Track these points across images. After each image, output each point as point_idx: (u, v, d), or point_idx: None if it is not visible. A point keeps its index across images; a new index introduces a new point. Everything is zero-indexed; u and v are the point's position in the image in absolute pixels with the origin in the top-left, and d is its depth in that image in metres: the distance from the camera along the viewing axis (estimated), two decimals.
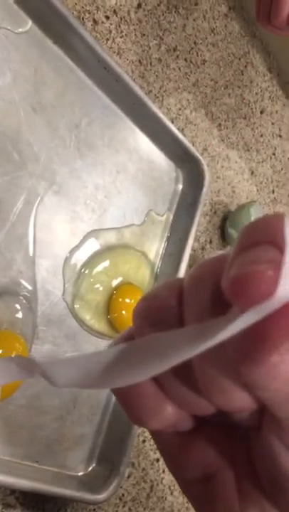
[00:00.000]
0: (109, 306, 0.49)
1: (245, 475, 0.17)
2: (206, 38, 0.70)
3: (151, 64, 0.60)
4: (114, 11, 0.55)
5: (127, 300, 0.50)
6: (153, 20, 0.61)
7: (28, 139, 0.44)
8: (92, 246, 0.49)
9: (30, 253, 0.44)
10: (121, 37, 0.56)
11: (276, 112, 0.83)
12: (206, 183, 0.59)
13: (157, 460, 0.53)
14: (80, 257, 0.48)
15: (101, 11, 0.54)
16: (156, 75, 0.61)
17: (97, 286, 0.49)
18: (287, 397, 0.13)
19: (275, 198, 0.81)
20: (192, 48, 0.67)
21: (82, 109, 0.50)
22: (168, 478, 0.53)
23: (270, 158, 0.81)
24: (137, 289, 0.52)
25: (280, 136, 0.84)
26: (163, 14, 0.62)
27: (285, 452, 0.15)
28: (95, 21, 0.53)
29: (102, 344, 0.49)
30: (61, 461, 0.44)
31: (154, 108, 0.53)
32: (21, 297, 0.43)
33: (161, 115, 0.54)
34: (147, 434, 0.52)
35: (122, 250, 0.52)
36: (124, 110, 0.53)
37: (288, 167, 0.85)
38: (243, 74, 0.77)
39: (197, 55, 0.68)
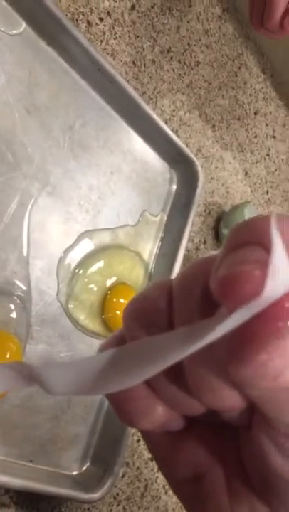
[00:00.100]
0: (104, 306, 0.50)
1: (235, 474, 0.17)
2: (200, 40, 0.70)
3: (145, 65, 0.60)
4: (108, 13, 0.56)
5: (121, 300, 0.50)
6: (147, 22, 0.61)
7: (22, 140, 0.45)
8: (87, 246, 0.50)
9: (25, 253, 0.44)
10: (115, 38, 0.57)
11: (270, 113, 0.84)
12: (200, 183, 0.59)
13: (151, 459, 0.53)
14: (74, 257, 0.48)
15: (95, 12, 0.54)
16: (150, 77, 0.61)
17: (92, 286, 0.49)
18: (276, 395, 0.13)
19: (269, 198, 0.81)
20: (186, 50, 0.67)
21: (76, 111, 0.50)
22: (162, 477, 0.54)
23: (264, 159, 0.81)
24: (131, 289, 0.52)
25: (274, 137, 0.84)
26: (157, 16, 0.63)
27: (275, 451, 0.15)
28: (88, 23, 0.54)
29: (96, 344, 0.49)
30: (55, 461, 0.44)
31: (148, 109, 0.54)
32: (15, 297, 0.43)
33: (155, 116, 0.54)
34: None
35: (116, 251, 0.53)
36: (118, 111, 0.54)
37: (282, 168, 0.85)
38: (236, 75, 0.77)
39: (191, 57, 0.68)
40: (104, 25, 0.55)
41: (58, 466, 0.44)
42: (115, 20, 0.57)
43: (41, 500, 0.43)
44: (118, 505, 0.49)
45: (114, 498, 0.49)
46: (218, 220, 0.68)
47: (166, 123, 0.59)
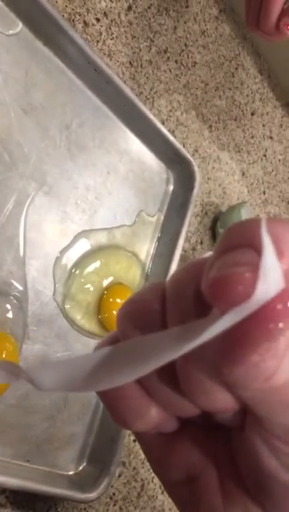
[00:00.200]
0: (100, 306, 0.50)
1: (229, 475, 0.17)
2: (197, 40, 0.70)
3: (141, 66, 0.60)
4: (105, 13, 0.56)
5: (118, 300, 0.50)
6: (143, 23, 0.61)
7: (18, 140, 0.45)
8: (83, 246, 0.50)
9: (21, 253, 0.44)
10: (111, 39, 0.57)
11: (267, 113, 0.84)
12: (197, 184, 0.59)
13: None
14: (71, 257, 0.48)
15: (91, 13, 0.54)
16: (147, 77, 0.61)
17: (88, 286, 0.49)
18: (268, 396, 0.13)
19: (265, 199, 0.81)
20: (183, 50, 0.67)
21: (72, 111, 0.50)
22: None
23: (261, 159, 0.81)
24: (127, 289, 0.52)
25: (271, 137, 0.84)
26: (153, 16, 0.63)
27: (268, 452, 0.15)
28: (85, 23, 0.54)
29: (93, 344, 0.49)
30: (52, 461, 0.44)
31: (145, 109, 0.54)
32: (12, 297, 0.43)
33: (151, 117, 0.55)
34: None
35: (113, 251, 0.53)
36: (115, 111, 0.54)
37: (279, 168, 0.86)
38: (233, 76, 0.77)
39: (188, 57, 0.68)
40: (101, 26, 0.55)
41: (54, 465, 0.44)
42: (112, 21, 0.57)
43: (38, 500, 0.43)
44: (114, 505, 0.49)
45: (111, 497, 0.49)
46: (214, 221, 0.68)
47: (163, 123, 0.59)
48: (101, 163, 0.52)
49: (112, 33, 0.57)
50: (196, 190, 0.59)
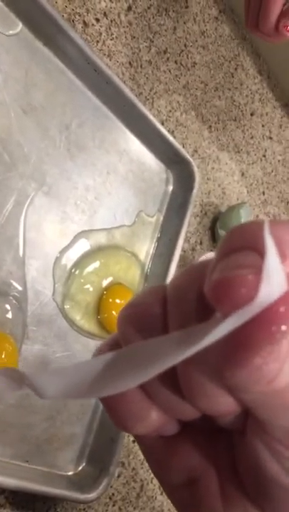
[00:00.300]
0: (100, 307, 0.50)
1: (229, 478, 0.17)
2: (197, 41, 0.70)
3: (141, 66, 0.60)
4: (105, 14, 0.56)
5: (117, 300, 0.50)
6: (143, 23, 0.61)
7: (18, 140, 0.45)
8: (83, 246, 0.50)
9: (20, 254, 0.44)
10: (111, 39, 0.57)
11: (266, 114, 0.84)
12: (196, 184, 0.59)
13: None
14: (71, 257, 0.48)
15: (91, 13, 0.54)
16: (147, 77, 0.61)
17: (88, 286, 0.49)
18: (270, 399, 0.13)
19: (265, 199, 0.81)
20: (182, 51, 0.67)
21: (72, 111, 0.50)
22: None
23: (261, 160, 0.81)
24: (127, 290, 0.52)
25: (271, 138, 0.85)
26: (153, 17, 0.63)
27: (269, 457, 0.15)
28: (85, 23, 0.54)
29: (92, 344, 0.49)
30: (51, 461, 0.44)
31: (145, 110, 0.54)
32: (11, 297, 0.43)
33: (151, 117, 0.55)
34: None
35: (113, 251, 0.53)
36: (114, 112, 0.54)
37: (278, 169, 0.86)
38: (233, 76, 0.77)
39: (187, 58, 0.68)
40: (101, 26, 0.55)
41: (53, 466, 0.44)
42: (112, 21, 0.57)
43: (37, 501, 0.43)
44: (114, 505, 0.49)
45: (110, 498, 0.49)
46: (214, 221, 0.68)
47: (162, 124, 0.60)
48: (101, 163, 0.52)
49: (112, 34, 0.57)
50: (195, 191, 0.59)
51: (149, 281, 0.56)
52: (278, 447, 0.15)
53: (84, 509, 0.46)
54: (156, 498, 0.53)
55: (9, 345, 0.41)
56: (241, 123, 0.78)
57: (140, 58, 0.60)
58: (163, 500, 0.54)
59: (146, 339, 0.15)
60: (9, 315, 0.42)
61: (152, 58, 0.62)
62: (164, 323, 0.15)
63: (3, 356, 0.40)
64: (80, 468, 0.46)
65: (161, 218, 0.59)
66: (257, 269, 0.12)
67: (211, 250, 0.67)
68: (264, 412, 0.14)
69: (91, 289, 0.50)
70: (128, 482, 0.51)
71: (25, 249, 0.44)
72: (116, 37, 0.57)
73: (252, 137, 0.80)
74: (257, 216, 0.79)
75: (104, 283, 0.51)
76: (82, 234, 0.50)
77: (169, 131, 0.58)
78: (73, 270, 0.48)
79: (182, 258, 0.61)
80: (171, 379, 0.15)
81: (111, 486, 0.49)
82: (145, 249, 0.57)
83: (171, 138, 0.57)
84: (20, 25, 0.46)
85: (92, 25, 0.54)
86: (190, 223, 0.62)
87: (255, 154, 0.80)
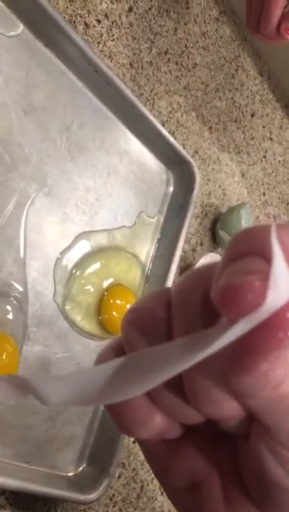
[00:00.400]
0: (100, 308, 0.50)
1: (233, 482, 0.17)
2: (197, 42, 0.70)
3: (142, 67, 0.60)
4: (106, 15, 0.56)
5: (118, 301, 0.50)
6: (144, 24, 0.61)
7: (19, 140, 0.45)
8: (83, 247, 0.50)
9: (21, 255, 0.44)
10: (112, 40, 0.57)
11: (267, 115, 0.84)
12: (197, 185, 0.59)
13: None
14: (71, 258, 0.48)
15: (92, 14, 0.54)
16: (148, 78, 0.61)
17: (88, 287, 0.49)
18: (276, 404, 0.13)
19: (265, 200, 0.81)
20: (183, 52, 0.68)
21: (73, 112, 0.50)
22: None
23: (261, 160, 0.81)
24: (127, 291, 0.52)
25: (271, 139, 0.85)
26: (154, 18, 0.63)
27: (274, 461, 0.15)
28: (86, 25, 0.54)
29: (93, 345, 0.49)
30: (51, 462, 0.44)
31: (145, 111, 0.54)
32: (12, 298, 0.43)
33: (152, 118, 0.55)
34: None
35: (113, 252, 0.53)
36: (115, 113, 0.54)
37: (279, 170, 0.86)
38: (233, 77, 0.77)
39: (188, 59, 0.68)
40: (102, 27, 0.55)
41: (54, 467, 0.44)
42: (113, 22, 0.57)
43: (37, 502, 0.43)
44: (114, 506, 0.49)
45: (110, 499, 0.49)
46: (214, 222, 0.68)
47: (163, 124, 0.60)
48: (101, 164, 0.52)
49: (113, 35, 0.57)
50: (196, 192, 0.59)
51: (150, 282, 0.56)
52: (283, 452, 0.15)
53: (84, 510, 0.46)
54: (156, 498, 0.53)
55: (10, 346, 0.41)
56: (242, 124, 0.78)
57: (141, 59, 0.60)
58: (163, 501, 0.54)
59: (150, 343, 0.15)
60: (10, 316, 0.42)
61: (153, 59, 0.62)
62: (169, 327, 0.15)
63: (3, 357, 0.40)
64: (81, 469, 0.46)
65: (162, 219, 0.59)
66: (264, 275, 0.12)
67: (212, 251, 0.67)
68: (269, 416, 0.14)
69: (92, 289, 0.50)
70: (128, 483, 0.51)
71: (26, 251, 0.44)
72: (117, 38, 0.57)
73: (252, 138, 0.80)
74: (257, 217, 0.80)
75: (105, 284, 0.51)
76: (83, 235, 0.50)
77: (169, 132, 0.58)
78: (74, 271, 0.48)
79: (183, 259, 0.61)
80: (176, 383, 0.15)
81: (111, 487, 0.49)
82: (146, 250, 0.57)
83: (171, 139, 0.57)
84: (21, 27, 0.46)
85: (94, 26, 0.54)
86: (190, 224, 0.62)
87: (256, 155, 0.80)
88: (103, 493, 0.43)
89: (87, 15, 0.54)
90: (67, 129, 0.49)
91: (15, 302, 0.43)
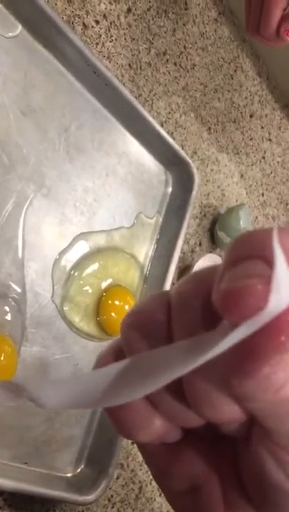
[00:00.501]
0: (99, 308, 0.50)
1: (233, 486, 0.17)
2: (196, 43, 0.70)
3: (141, 68, 0.61)
4: (104, 16, 0.56)
5: (117, 302, 0.50)
6: (143, 25, 0.61)
7: (17, 141, 0.45)
8: (82, 248, 0.50)
9: (19, 256, 0.44)
10: (111, 41, 0.57)
11: (265, 115, 0.84)
12: (196, 186, 0.59)
13: None
14: (70, 259, 0.48)
15: (91, 15, 0.54)
16: (146, 79, 0.61)
17: (87, 288, 0.49)
18: (277, 407, 0.13)
19: (264, 201, 0.81)
20: (182, 52, 0.68)
21: (71, 113, 0.50)
22: None
23: (260, 161, 0.82)
24: (126, 291, 0.52)
25: (270, 139, 0.85)
26: (153, 19, 0.63)
27: (275, 465, 0.15)
28: (84, 26, 0.54)
29: (91, 346, 0.49)
30: (50, 463, 0.44)
31: (144, 112, 0.54)
32: (10, 299, 0.43)
33: (150, 119, 0.55)
34: None
35: (112, 253, 0.53)
36: (114, 114, 0.54)
37: (277, 170, 0.86)
38: (232, 78, 0.77)
39: (187, 60, 0.68)
40: (100, 28, 0.55)
41: (52, 468, 0.44)
42: (111, 23, 0.57)
43: (35, 503, 0.43)
44: (112, 507, 0.49)
45: (109, 500, 0.49)
46: (213, 222, 0.68)
47: (161, 125, 0.60)
48: (100, 165, 0.52)
49: (112, 36, 0.57)
50: (194, 192, 0.59)
51: (149, 283, 0.56)
52: (284, 455, 0.15)
53: (82, 511, 0.46)
54: (155, 499, 0.53)
55: (8, 347, 0.41)
56: (240, 125, 0.78)
57: (140, 60, 0.60)
58: (162, 502, 0.54)
59: (150, 346, 0.15)
60: (8, 317, 0.42)
61: (152, 60, 0.62)
62: (169, 330, 0.15)
63: (2, 358, 0.40)
64: (79, 470, 0.46)
65: (161, 220, 0.59)
66: (266, 279, 0.12)
67: (210, 252, 0.67)
68: (271, 420, 0.14)
69: (90, 290, 0.50)
70: (127, 484, 0.51)
71: (25, 251, 0.44)
72: (115, 39, 0.57)
73: (251, 139, 0.80)
74: (256, 218, 0.80)
75: (104, 285, 0.51)
76: (82, 236, 0.50)
77: (168, 132, 0.58)
78: (72, 272, 0.48)
79: (181, 260, 0.61)
80: (176, 386, 0.15)
81: (110, 488, 0.49)
82: (144, 250, 0.57)
83: (170, 139, 0.57)
84: (19, 27, 0.46)
85: (92, 27, 0.54)
86: (189, 225, 0.62)
87: (255, 156, 0.80)
88: (101, 494, 0.43)
89: (85, 16, 0.54)
90: (65, 130, 0.49)
91: (13, 303, 0.43)
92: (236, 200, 0.74)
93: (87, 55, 0.48)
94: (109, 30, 0.56)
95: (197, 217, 0.66)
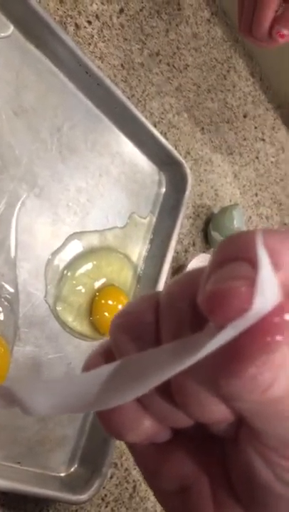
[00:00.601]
0: (92, 308, 0.50)
1: (222, 486, 0.17)
2: (189, 43, 0.70)
3: (133, 68, 0.61)
4: (97, 16, 0.56)
5: (110, 302, 0.50)
6: (135, 25, 0.61)
7: (9, 142, 0.45)
8: (75, 248, 0.50)
9: (12, 256, 0.44)
10: (103, 41, 0.57)
11: (259, 115, 0.84)
12: (189, 186, 0.59)
13: None
14: (63, 259, 0.48)
15: (83, 15, 0.54)
16: (139, 80, 0.61)
17: (80, 288, 0.49)
18: (264, 407, 0.13)
19: (258, 201, 0.82)
20: (175, 53, 0.68)
21: (64, 113, 0.50)
22: None
23: (253, 161, 0.82)
24: (119, 291, 0.52)
25: (263, 139, 0.85)
26: (145, 19, 0.63)
27: (263, 465, 0.15)
28: (77, 26, 0.54)
29: (84, 345, 0.49)
30: (43, 462, 0.44)
31: (137, 112, 0.54)
32: (3, 299, 0.43)
33: (143, 119, 0.55)
34: None
35: (105, 252, 0.53)
36: (106, 114, 0.54)
37: (271, 170, 0.86)
38: (225, 78, 0.78)
39: (180, 60, 0.68)
40: (93, 28, 0.56)
41: (45, 467, 0.44)
42: (104, 24, 0.57)
43: (29, 502, 0.43)
44: (106, 506, 0.49)
45: (103, 499, 0.49)
46: (207, 223, 0.68)
47: (155, 126, 0.60)
48: (93, 165, 0.53)
49: (104, 36, 0.57)
50: (188, 192, 0.59)
51: (142, 283, 0.56)
52: (272, 456, 0.15)
53: (76, 510, 0.46)
54: (149, 498, 0.53)
55: (1, 347, 0.41)
56: (234, 125, 0.78)
57: (132, 60, 0.61)
58: (156, 501, 0.54)
59: (139, 347, 0.15)
60: (1, 317, 0.42)
61: (144, 60, 0.62)
62: (157, 332, 0.15)
63: None
64: (73, 469, 0.46)
65: (154, 220, 0.59)
66: (250, 281, 0.12)
67: (204, 252, 0.67)
68: (258, 420, 0.14)
69: (83, 290, 0.50)
70: (121, 483, 0.51)
71: (17, 251, 0.44)
72: (108, 39, 0.57)
73: (244, 139, 0.80)
74: (250, 218, 0.80)
75: (97, 284, 0.51)
76: (75, 236, 0.50)
77: (161, 133, 0.58)
78: (65, 272, 0.48)
79: (175, 260, 0.61)
80: (164, 387, 0.15)
81: (103, 487, 0.49)
82: (138, 250, 0.57)
83: (163, 140, 0.57)
84: (11, 28, 0.46)
85: (84, 27, 0.55)
86: (183, 225, 0.62)
87: (248, 156, 0.81)
88: (95, 494, 0.43)
89: (77, 16, 0.54)
90: (58, 131, 0.49)
91: (6, 303, 0.43)
92: (230, 200, 0.75)
93: (79, 56, 0.48)
94: (101, 31, 0.57)
95: (191, 217, 0.66)
